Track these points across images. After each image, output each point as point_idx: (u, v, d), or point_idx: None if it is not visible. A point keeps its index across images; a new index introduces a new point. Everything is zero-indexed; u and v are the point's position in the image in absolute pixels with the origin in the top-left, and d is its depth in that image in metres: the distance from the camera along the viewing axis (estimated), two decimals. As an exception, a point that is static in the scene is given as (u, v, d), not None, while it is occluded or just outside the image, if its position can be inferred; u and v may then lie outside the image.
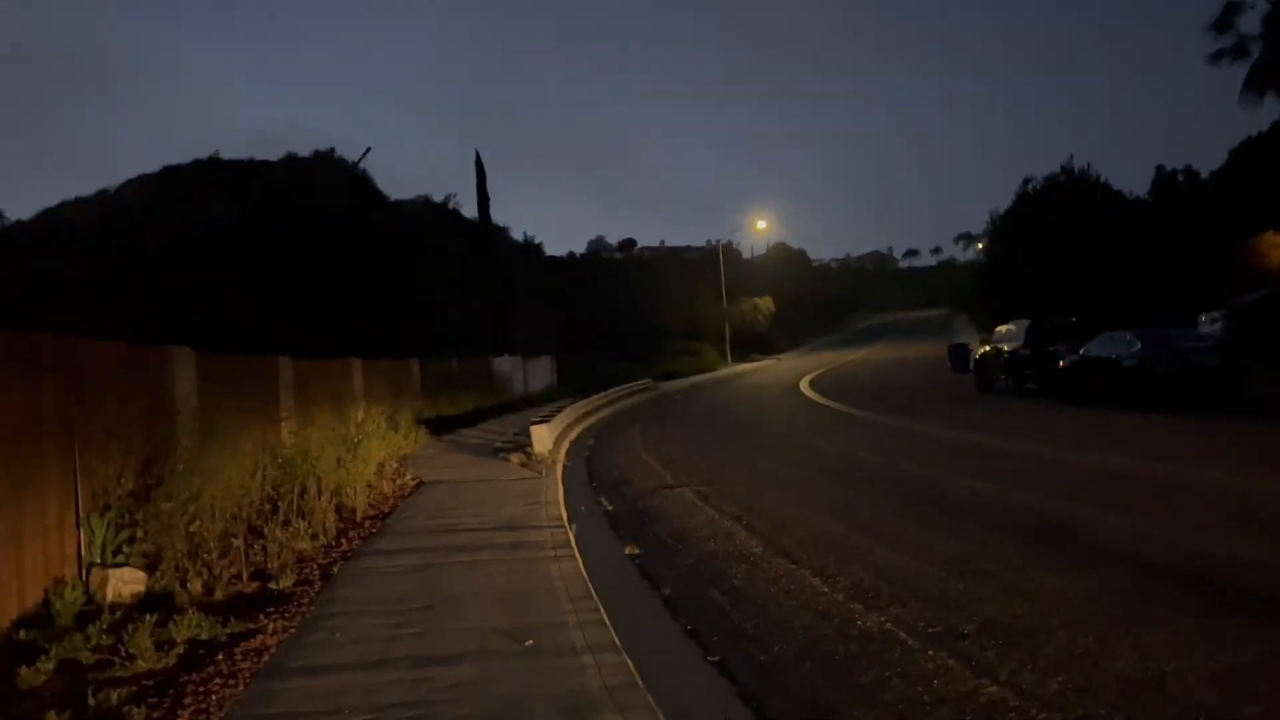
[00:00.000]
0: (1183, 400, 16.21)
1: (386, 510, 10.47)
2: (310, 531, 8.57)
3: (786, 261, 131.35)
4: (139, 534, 6.66)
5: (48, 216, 78.34)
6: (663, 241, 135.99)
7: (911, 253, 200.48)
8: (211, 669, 4.67)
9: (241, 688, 4.42)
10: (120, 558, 6.51)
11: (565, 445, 18.03)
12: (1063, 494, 8.86)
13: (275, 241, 26.53)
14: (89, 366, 7.08)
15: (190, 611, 5.57)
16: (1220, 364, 16.87)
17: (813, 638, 5.10)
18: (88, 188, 66.86)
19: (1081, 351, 19.82)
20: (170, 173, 58.26)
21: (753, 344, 72.92)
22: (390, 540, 8.52)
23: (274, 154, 37.04)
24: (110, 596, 6.10)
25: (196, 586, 6.37)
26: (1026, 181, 43.76)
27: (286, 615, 5.78)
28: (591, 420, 25.26)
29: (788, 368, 55.11)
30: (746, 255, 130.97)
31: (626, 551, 7.89)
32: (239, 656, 4.92)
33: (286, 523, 8.50)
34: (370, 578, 6.90)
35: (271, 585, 6.60)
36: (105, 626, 5.33)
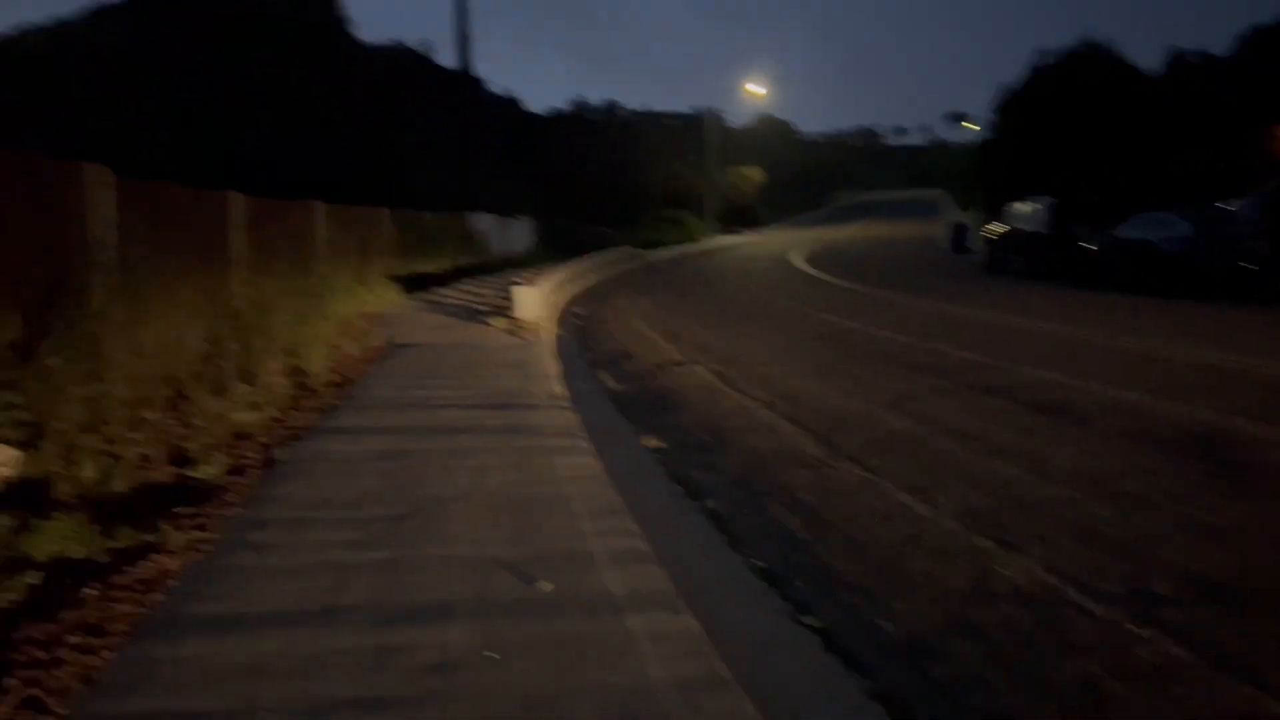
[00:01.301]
0: (1232, 290, 14.80)
1: (351, 377, 8.86)
2: (254, 400, 6.97)
3: (773, 134, 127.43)
4: (17, 398, 5.01)
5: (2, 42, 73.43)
6: (647, 107, 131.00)
7: (900, 130, 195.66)
8: (69, 615, 3.12)
9: (102, 656, 2.87)
10: (-11, 429, 4.88)
11: (553, 311, 16.42)
12: (1176, 393, 7.40)
13: (237, 77, 23.89)
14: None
15: (64, 513, 4.00)
16: (1272, 252, 15.41)
17: (944, 593, 3.64)
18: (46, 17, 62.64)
19: (1114, 233, 18.28)
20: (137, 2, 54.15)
21: (738, 216, 70.75)
22: (354, 415, 6.94)
23: None
24: (-34, 482, 4.51)
25: (89, 471, 4.77)
26: (1041, 55, 41.17)
27: (203, 521, 4.22)
28: (578, 287, 23.57)
29: (775, 241, 53.31)
30: (733, 125, 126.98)
31: (646, 445, 6.38)
32: (118, 592, 3.37)
33: (222, 388, 6.87)
34: (324, 466, 5.35)
35: (191, 473, 5.03)
36: (-64, 532, 3.74)
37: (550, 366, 9.57)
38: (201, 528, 4.16)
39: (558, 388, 8.23)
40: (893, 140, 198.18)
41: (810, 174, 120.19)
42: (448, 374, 8.86)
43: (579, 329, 14.26)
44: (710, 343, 11.66)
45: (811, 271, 26.94)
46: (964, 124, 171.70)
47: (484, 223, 30.82)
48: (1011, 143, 39.23)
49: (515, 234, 35.59)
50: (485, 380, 8.48)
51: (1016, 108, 41.79)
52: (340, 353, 10.11)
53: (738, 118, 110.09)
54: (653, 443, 6.37)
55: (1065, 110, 36.90)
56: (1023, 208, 23.20)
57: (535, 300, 14.01)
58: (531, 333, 12.63)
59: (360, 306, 15.25)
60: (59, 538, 3.76)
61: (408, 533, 4.12)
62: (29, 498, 4.39)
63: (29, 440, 4.92)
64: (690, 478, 5.47)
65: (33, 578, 3.41)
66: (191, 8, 26.83)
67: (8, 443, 4.79)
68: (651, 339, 12.40)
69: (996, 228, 24.91)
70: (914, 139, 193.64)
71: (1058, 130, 36.81)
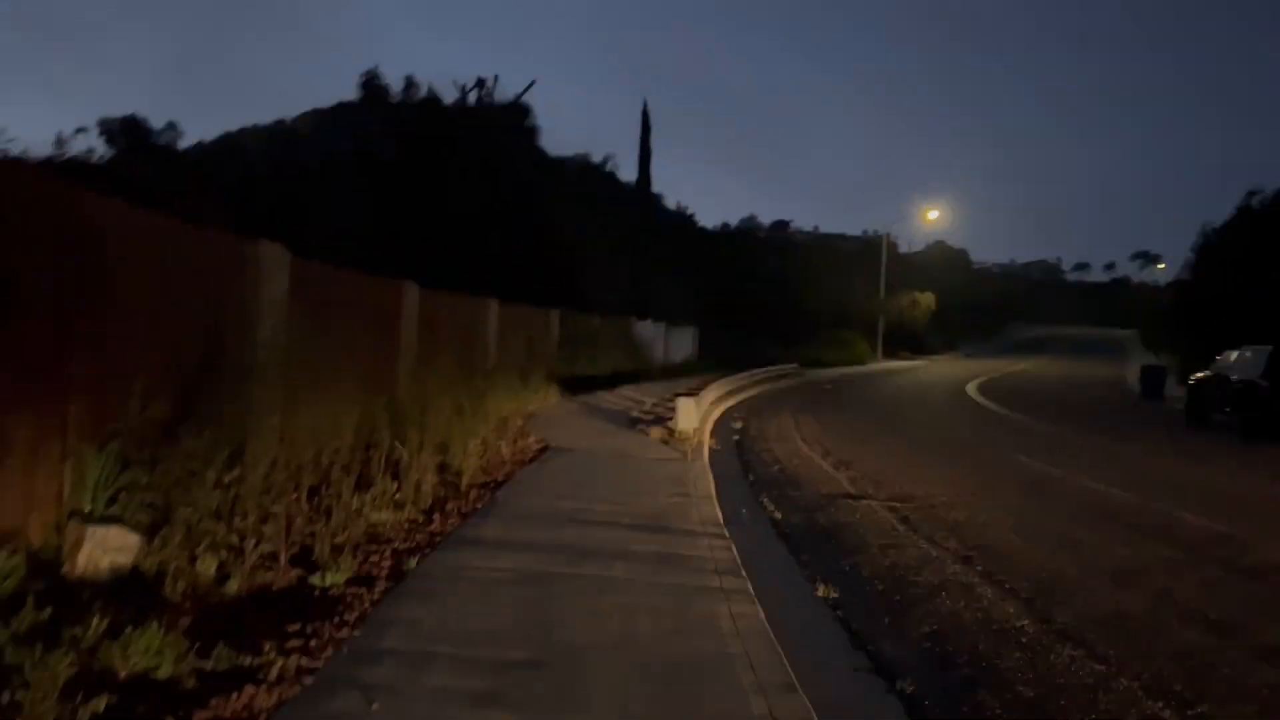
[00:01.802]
0: None
1: (500, 479, 8.40)
2: (397, 498, 6.55)
3: (946, 261, 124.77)
4: (148, 478, 4.70)
5: (226, 139, 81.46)
6: (816, 227, 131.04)
7: (1081, 266, 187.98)
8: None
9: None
10: (116, 508, 4.57)
11: (710, 424, 15.74)
12: None
13: (426, 175, 25.11)
14: (120, 235, 5.16)
15: (167, 616, 3.53)
16: None
17: None
18: (267, 117, 69.31)
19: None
20: (343, 109, 59.15)
21: (906, 341, 68.72)
22: (497, 525, 6.39)
23: (445, 95, 36.08)
24: (81, 566, 4.15)
25: (207, 567, 4.35)
26: (1251, 194, 38.36)
27: (312, 646, 3.66)
28: (737, 399, 22.88)
29: (946, 370, 51.13)
30: (904, 250, 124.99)
31: (819, 594, 5.48)
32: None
33: (367, 483, 6.48)
34: (457, 587, 4.75)
35: (314, 580, 4.54)
36: (24, 626, 3.32)
37: (708, 486, 8.83)
38: (309, 652, 3.59)
39: (717, 511, 7.46)
40: (1072, 276, 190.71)
41: (983, 304, 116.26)
42: (600, 485, 8.25)
43: (739, 446, 13.48)
44: (886, 475, 10.62)
45: (991, 406, 25.24)
46: (1157, 265, 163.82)
47: (648, 330, 30.80)
48: (1212, 285, 36.36)
49: (678, 343, 35.46)
50: (639, 496, 7.81)
51: (1220, 248, 38.97)
52: (493, 453, 9.72)
53: (911, 242, 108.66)
54: (827, 593, 5.47)
55: (1271, 253, 33.96)
56: (1235, 355, 20.97)
57: (694, 412, 13.39)
58: (690, 445, 11.97)
59: (521, 405, 15.06)
60: (148, 651, 3.26)
61: (542, 691, 3.42)
62: (138, 591, 3.98)
63: (154, 525, 4.57)
64: (876, 646, 4.55)
65: (102, 701, 2.90)
66: (397, 109, 28.68)
67: (132, 527, 4.45)
68: (818, 464, 11.47)
69: (1201, 375, 22.62)
70: (1096, 275, 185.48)
71: (1261, 274, 33.85)
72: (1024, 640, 4.70)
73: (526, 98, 29.38)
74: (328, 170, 27.83)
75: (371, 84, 27.09)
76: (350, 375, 8.98)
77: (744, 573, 5.47)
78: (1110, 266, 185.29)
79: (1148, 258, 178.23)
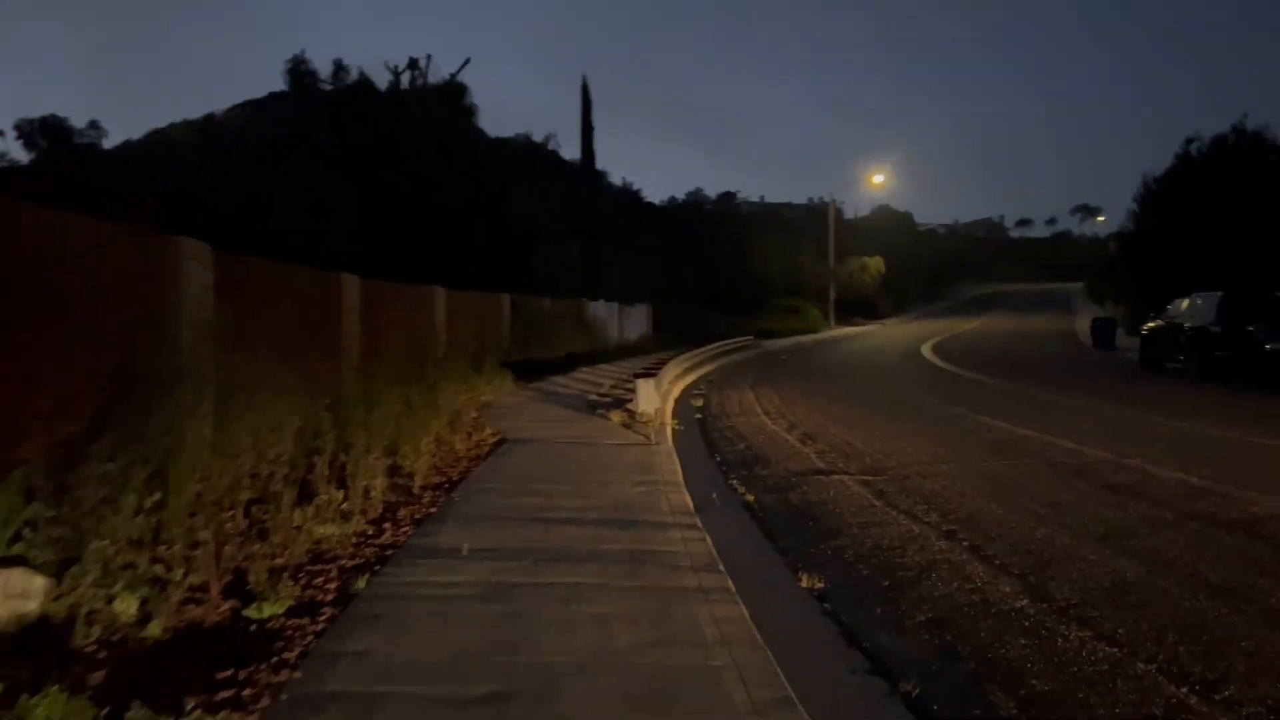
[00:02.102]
0: None
1: (455, 477, 7.94)
2: (343, 508, 6.08)
3: (892, 224, 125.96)
4: (54, 512, 4.19)
5: (155, 136, 79.15)
6: (763, 197, 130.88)
7: (1024, 222, 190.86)
8: None
9: None
10: (19, 547, 4.06)
11: (670, 403, 15.39)
12: None
13: (363, 162, 24.27)
14: (7, 233, 4.61)
15: (77, 671, 3.05)
16: None
17: None
18: (199, 112, 67.44)
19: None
20: (275, 99, 57.47)
21: (857, 307, 69.04)
22: (454, 529, 5.95)
23: (378, 79, 35.02)
24: (-23, 619, 3.65)
25: (126, 607, 3.87)
26: (1189, 141, 38.81)
27: (245, 696, 3.21)
28: (695, 375, 22.57)
29: (898, 333, 51.40)
30: (850, 216, 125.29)
31: (804, 585, 5.14)
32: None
33: (310, 494, 6.00)
34: (411, 607, 4.32)
35: (250, 612, 4.07)
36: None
37: (675, 470, 8.46)
38: (242, 704, 3.14)
39: (686, 498, 7.10)
40: (1015, 232, 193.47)
41: (930, 265, 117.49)
42: (562, 478, 7.84)
43: (702, 424, 13.14)
44: (854, 446, 10.34)
45: (948, 366, 25.23)
46: (1097, 217, 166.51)
47: (601, 310, 30.34)
48: (1157, 234, 36.78)
49: (632, 321, 35.06)
50: (604, 487, 7.41)
51: (1160, 196, 39.43)
52: (447, 449, 9.25)
53: (855, 208, 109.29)
54: (812, 583, 5.13)
55: (1218, 200, 34.42)
56: (1185, 303, 21.13)
57: (655, 393, 13.02)
58: (652, 428, 11.60)
59: (475, 396, 14.58)
60: (46, 722, 2.80)
61: (509, 731, 3.01)
62: (43, 643, 3.49)
63: (64, 563, 4.07)
64: (872, 642, 4.21)
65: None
66: (329, 96, 27.72)
67: (37, 568, 3.94)
68: (784, 439, 11.16)
69: (1154, 324, 22.81)
70: (1038, 230, 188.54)
71: (1209, 221, 34.32)
72: (1026, 624, 4.40)
73: (463, 77, 28.56)
74: (261, 163, 26.86)
75: (299, 70, 26.08)
76: (289, 376, 8.45)
77: (722, 567, 5.10)
78: (1052, 221, 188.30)
79: (1088, 210, 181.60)
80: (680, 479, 8.05)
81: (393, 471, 7.64)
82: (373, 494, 6.68)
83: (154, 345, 6.40)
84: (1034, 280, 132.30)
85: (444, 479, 7.84)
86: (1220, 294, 19.56)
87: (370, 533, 5.76)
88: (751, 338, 38.67)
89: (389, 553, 5.33)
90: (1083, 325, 53.36)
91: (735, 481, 8.37)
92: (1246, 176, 34.73)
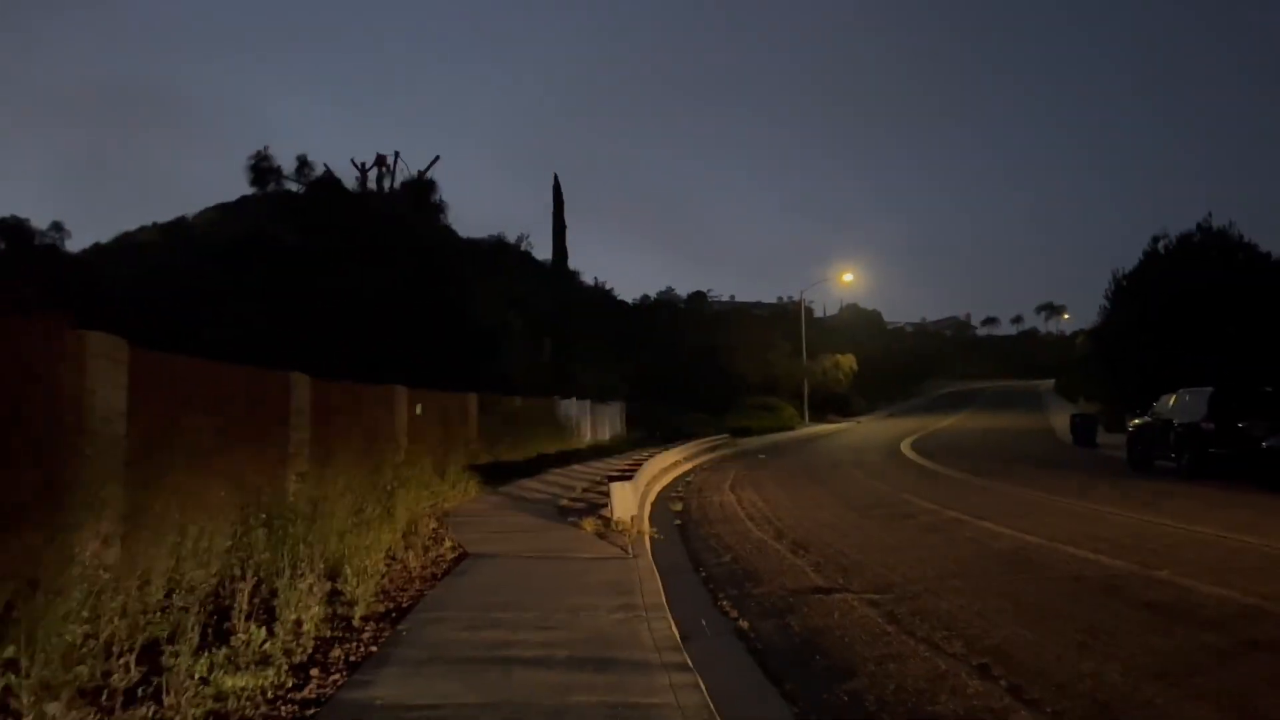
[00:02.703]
0: None
1: (405, 603, 6.92)
2: (265, 649, 5.07)
3: (860, 323, 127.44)
4: None
5: (123, 239, 78.69)
6: (733, 296, 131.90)
7: (990, 320, 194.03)
8: None
9: None
10: None
11: (647, 508, 14.42)
12: None
13: (326, 260, 23.61)
14: None
15: None
16: None
17: None
18: (170, 215, 67.30)
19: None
20: (245, 201, 57.28)
21: (830, 404, 68.64)
22: (394, 677, 4.94)
23: (346, 177, 34.72)
24: None
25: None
26: (1156, 239, 39.21)
27: None
28: (672, 476, 21.62)
29: (874, 430, 50.83)
30: (820, 314, 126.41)
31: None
32: None
33: (228, 632, 4.99)
34: (327, 797, 3.32)
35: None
36: None
37: (656, 589, 7.48)
38: None
39: (671, 627, 6.13)
40: (982, 330, 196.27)
41: (900, 363, 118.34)
42: (528, 602, 6.84)
43: (683, 532, 12.19)
44: (850, 558, 9.43)
45: (932, 465, 24.47)
46: (1062, 315, 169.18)
47: (573, 409, 29.47)
48: (1127, 331, 36.72)
49: (605, 420, 34.19)
50: (577, 614, 6.42)
51: (1130, 295, 39.59)
52: (400, 567, 8.23)
53: (824, 307, 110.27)
54: (833, 745, 4.17)
55: (1183, 299, 34.48)
56: (1173, 400, 20.65)
57: (631, 498, 12.08)
58: (629, 537, 10.63)
59: (437, 502, 13.57)
60: None
61: None
62: None
63: None
64: (924, 838, 3.25)
65: None
66: (294, 197, 27.27)
67: None
68: (773, 549, 10.23)
69: (1140, 420, 22.29)
70: (1004, 329, 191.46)
71: (1175, 320, 34.33)
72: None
73: (432, 176, 28.18)
74: (223, 262, 26.14)
75: (261, 167, 25.48)
76: (222, 485, 7.50)
77: (722, 727, 4.14)
78: (1018, 319, 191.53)
79: (1053, 308, 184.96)
80: (663, 600, 7.08)
81: (334, 596, 6.63)
82: (305, 628, 5.67)
83: (49, 452, 5.46)
84: (1002, 378, 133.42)
85: (392, 605, 6.82)
86: (1210, 390, 19.11)
87: (291, 684, 4.74)
88: (727, 436, 37.87)
89: (310, 712, 4.32)
90: (1059, 421, 53.16)
91: (725, 603, 7.41)
92: (1214, 274, 34.93)
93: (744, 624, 6.64)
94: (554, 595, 7.15)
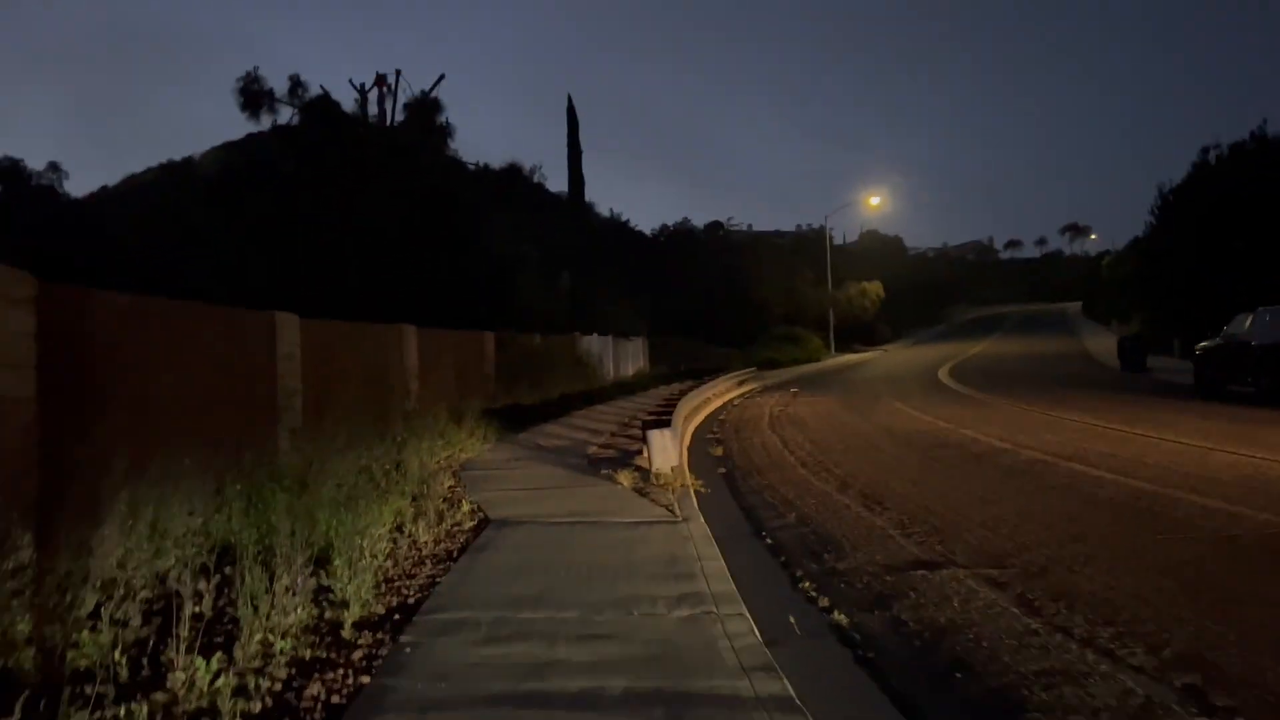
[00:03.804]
0: None
1: (411, 599, 5.53)
2: (218, 685, 3.69)
3: (881, 249, 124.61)
4: None
5: (128, 182, 77.07)
6: (749, 225, 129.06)
7: (1014, 243, 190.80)
8: None
9: None
10: None
11: (685, 453, 13.02)
12: None
13: (324, 192, 21.93)
14: None
15: None
16: None
17: None
18: (180, 155, 65.41)
19: None
20: (251, 139, 55.27)
21: (855, 333, 67.04)
22: (391, 729, 3.55)
23: (344, 99, 32.68)
24: None
25: None
26: (1206, 150, 36.92)
27: None
28: (703, 415, 20.25)
29: (904, 359, 49.26)
30: (839, 241, 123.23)
31: None
32: None
33: (177, 651, 3.60)
34: None
35: None
36: None
37: (719, 567, 6.07)
38: None
39: (752, 629, 4.72)
40: (1005, 254, 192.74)
41: (922, 289, 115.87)
42: (565, 594, 5.43)
43: (730, 482, 10.78)
44: (940, 515, 7.99)
45: (980, 395, 22.94)
46: (1089, 236, 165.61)
47: (595, 345, 28.02)
48: (1182, 247, 34.71)
49: (628, 356, 32.76)
50: (630, 613, 5.01)
51: (1178, 210, 37.44)
52: (407, 543, 6.85)
53: (844, 234, 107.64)
54: None
55: (1254, 206, 32.28)
56: (1249, 320, 18.93)
57: (671, 446, 10.64)
58: (671, 491, 9.23)
59: (453, 454, 12.23)
60: None
61: None
62: None
63: None
64: None
65: None
66: (294, 129, 25.51)
67: None
68: (842, 505, 8.80)
69: (1210, 343, 20.61)
70: (1028, 251, 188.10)
71: (1244, 231, 32.20)
72: None
73: (438, 96, 26.14)
74: (216, 199, 24.55)
75: (251, 90, 23.51)
76: (193, 449, 6.10)
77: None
78: (1041, 242, 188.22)
79: (1077, 229, 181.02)
80: (731, 584, 5.67)
81: (322, 594, 5.26)
82: (276, 650, 4.29)
83: None
84: (1026, 301, 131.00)
85: (397, 602, 5.43)
86: (1300, 307, 17.38)
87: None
88: (754, 369, 36.44)
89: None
90: (1094, 345, 51.37)
91: (808, 584, 5.97)
92: (1268, 184, 32.73)
93: (841, 618, 5.20)
94: (597, 581, 5.74)
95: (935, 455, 12.19)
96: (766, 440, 14.98)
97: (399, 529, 7.30)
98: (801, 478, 10.71)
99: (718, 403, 23.83)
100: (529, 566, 6.15)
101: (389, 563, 6.20)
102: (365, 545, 5.91)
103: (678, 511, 8.21)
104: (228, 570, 5.06)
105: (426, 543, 6.97)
